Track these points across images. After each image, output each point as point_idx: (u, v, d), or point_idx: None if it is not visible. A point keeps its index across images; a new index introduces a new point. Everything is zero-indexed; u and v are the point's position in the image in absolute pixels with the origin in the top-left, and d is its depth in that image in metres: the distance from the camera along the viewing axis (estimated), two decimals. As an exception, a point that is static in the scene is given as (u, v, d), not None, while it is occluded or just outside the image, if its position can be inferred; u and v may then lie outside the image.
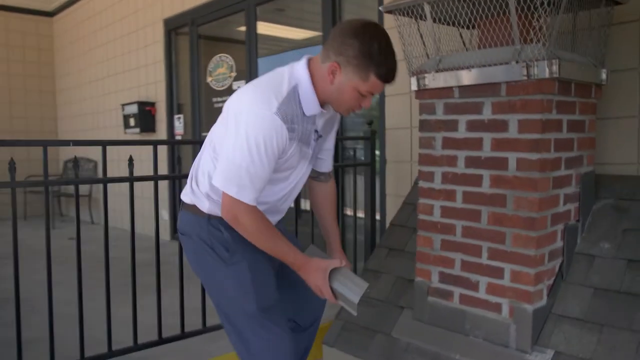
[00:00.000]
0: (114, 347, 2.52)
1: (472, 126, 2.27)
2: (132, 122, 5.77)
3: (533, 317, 2.15)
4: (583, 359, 2.04)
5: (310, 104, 1.70)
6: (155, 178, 2.64)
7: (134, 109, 5.70)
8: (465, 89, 2.28)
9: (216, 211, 1.79)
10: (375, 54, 1.61)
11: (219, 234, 1.80)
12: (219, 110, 1.83)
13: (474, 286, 2.32)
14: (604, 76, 2.32)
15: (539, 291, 2.18)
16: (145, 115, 5.67)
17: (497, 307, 2.25)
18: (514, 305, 2.20)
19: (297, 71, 1.70)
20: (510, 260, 2.20)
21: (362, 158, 3.59)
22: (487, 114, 2.22)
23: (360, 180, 3.68)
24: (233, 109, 1.68)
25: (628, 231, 2.26)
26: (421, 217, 2.50)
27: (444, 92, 2.36)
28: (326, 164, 1.98)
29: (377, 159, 3.62)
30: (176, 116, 5.65)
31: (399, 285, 2.73)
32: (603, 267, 2.24)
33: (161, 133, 5.75)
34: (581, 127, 2.31)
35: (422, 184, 2.48)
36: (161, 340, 2.67)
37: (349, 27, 1.64)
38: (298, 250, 1.80)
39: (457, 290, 2.38)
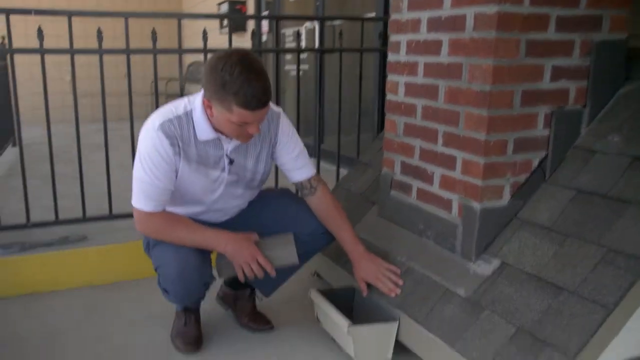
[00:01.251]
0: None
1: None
2: (225, 22, 5.79)
3: (481, 218, 1.74)
4: (529, 274, 1.61)
5: (202, 129, 1.76)
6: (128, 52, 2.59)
7: (225, 7, 5.71)
8: None
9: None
10: (230, 83, 1.59)
11: None
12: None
13: (429, 178, 1.94)
14: None
15: (495, 188, 1.75)
16: (236, 14, 5.66)
17: (448, 205, 1.86)
18: (463, 203, 1.79)
19: (196, 99, 1.77)
20: (463, 146, 1.78)
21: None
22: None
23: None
24: None
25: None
26: (389, 96, 2.13)
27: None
28: (293, 175, 1.97)
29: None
30: (263, 12, 5.55)
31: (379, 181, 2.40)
32: (600, 165, 1.72)
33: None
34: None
35: (390, 57, 2.09)
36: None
37: (209, 61, 1.66)
38: (220, 231, 1.83)
39: (416, 184, 2.01)
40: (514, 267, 1.66)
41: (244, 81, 1.57)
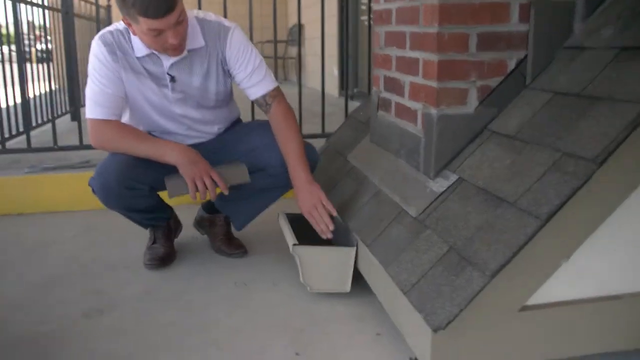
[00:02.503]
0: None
1: None
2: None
3: (439, 126, 1.52)
4: (479, 188, 1.38)
5: (137, 46, 1.77)
6: None
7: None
8: None
9: None
10: None
11: None
12: None
13: (402, 89, 1.73)
14: None
15: (456, 91, 1.51)
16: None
17: (414, 116, 1.66)
18: (424, 111, 1.58)
19: None
20: (422, 45, 1.56)
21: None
22: None
23: None
24: None
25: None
26: (374, 6, 1.93)
27: None
28: (249, 93, 1.90)
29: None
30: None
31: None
32: (584, 62, 1.41)
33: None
34: None
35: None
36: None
37: None
38: (172, 142, 1.82)
39: (394, 99, 1.82)
40: (468, 182, 1.44)
41: None
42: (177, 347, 1.48)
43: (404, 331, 1.37)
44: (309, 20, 6.22)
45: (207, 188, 1.73)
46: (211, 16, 1.85)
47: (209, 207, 2.14)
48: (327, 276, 1.71)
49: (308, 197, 1.74)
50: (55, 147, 2.74)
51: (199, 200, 1.77)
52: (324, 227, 1.71)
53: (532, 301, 1.23)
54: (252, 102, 2.07)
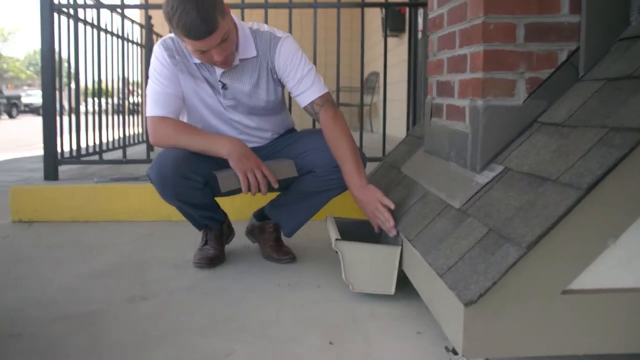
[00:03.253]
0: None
1: None
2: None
3: (486, 117, 1.50)
4: (524, 173, 1.34)
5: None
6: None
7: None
8: None
9: None
10: (172, 16, 1.66)
11: None
12: None
13: (452, 90, 1.74)
14: None
15: (503, 82, 1.50)
16: (395, 15, 5.72)
17: (462, 114, 1.65)
18: (471, 105, 1.57)
19: None
20: (470, 39, 1.57)
21: None
22: None
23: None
24: None
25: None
26: (429, 15, 1.98)
27: None
28: (299, 101, 1.96)
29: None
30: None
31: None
32: (638, 49, 1.37)
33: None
34: None
35: (428, -32, 1.95)
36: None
37: None
38: (226, 136, 1.92)
39: (444, 102, 1.82)
40: (514, 171, 1.40)
41: (182, 12, 1.63)
42: (210, 332, 1.50)
43: (440, 318, 1.32)
44: (382, 68, 6.36)
45: (258, 181, 1.78)
46: (265, 27, 1.96)
47: (260, 216, 2.19)
48: (370, 275, 1.69)
49: (367, 199, 1.76)
50: (125, 160, 2.92)
51: (249, 196, 1.83)
52: (389, 226, 1.71)
53: (576, 285, 1.15)
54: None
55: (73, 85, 3.07)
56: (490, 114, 1.50)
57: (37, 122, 18.25)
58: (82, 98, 3.15)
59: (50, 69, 2.89)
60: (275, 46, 1.91)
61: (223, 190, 1.82)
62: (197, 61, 1.89)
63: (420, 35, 5.55)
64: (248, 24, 1.96)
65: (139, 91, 4.96)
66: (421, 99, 5.50)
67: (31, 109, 26.06)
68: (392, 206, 1.72)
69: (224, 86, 1.93)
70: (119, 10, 3.17)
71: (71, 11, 2.99)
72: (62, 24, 2.97)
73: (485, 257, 1.20)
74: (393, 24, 5.82)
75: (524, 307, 1.14)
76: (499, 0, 1.46)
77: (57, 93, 2.96)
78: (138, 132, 4.94)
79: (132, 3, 3.10)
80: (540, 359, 1.24)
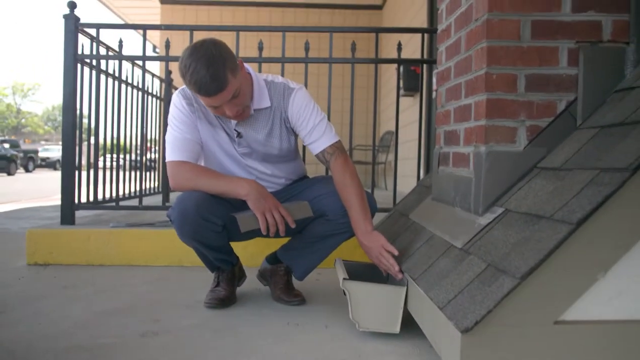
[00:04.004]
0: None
1: None
2: (400, 83, 6.09)
3: (488, 162, 1.63)
4: (522, 213, 1.45)
5: None
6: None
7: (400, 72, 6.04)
8: None
9: None
10: (185, 73, 1.82)
11: None
12: None
13: (457, 138, 1.87)
14: None
15: (505, 129, 1.63)
16: (410, 75, 5.96)
17: (467, 160, 1.78)
18: (475, 152, 1.70)
19: None
20: (474, 89, 1.72)
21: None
22: None
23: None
24: None
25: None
26: (436, 69, 2.14)
27: None
28: (311, 149, 2.10)
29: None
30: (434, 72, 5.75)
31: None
32: (632, 99, 1.50)
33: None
34: None
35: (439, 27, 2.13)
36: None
37: None
38: (244, 178, 2.04)
39: (451, 150, 1.95)
40: (513, 212, 1.51)
41: (193, 71, 1.79)
42: (218, 364, 1.59)
43: (440, 349, 1.40)
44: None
45: (276, 221, 1.90)
46: (279, 78, 2.13)
47: (272, 259, 2.30)
48: (377, 314, 1.77)
49: (372, 244, 1.88)
50: (140, 207, 3.07)
51: (267, 234, 1.95)
52: (394, 271, 1.82)
53: (569, 316, 1.24)
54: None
55: (92, 140, 3.26)
56: (492, 159, 1.63)
57: (54, 175, 18.98)
58: (100, 152, 3.34)
59: (71, 116, 3.08)
60: (289, 97, 2.07)
61: (243, 230, 1.92)
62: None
63: (434, 95, 5.76)
64: (263, 75, 2.13)
65: (156, 147, 5.20)
66: (432, 157, 5.66)
67: (48, 163, 26.87)
68: (396, 252, 1.84)
69: (239, 134, 2.07)
70: (139, 62, 3.39)
71: (94, 62, 3.21)
72: (84, 75, 3.18)
73: (483, 289, 1.29)
74: (407, 84, 6.04)
75: (518, 335, 1.23)
76: (502, 52, 1.61)
77: (77, 144, 3.13)
78: (154, 186, 5.13)
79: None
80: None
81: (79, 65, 3.12)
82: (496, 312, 1.21)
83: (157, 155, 5.27)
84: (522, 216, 1.44)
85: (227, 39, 2.05)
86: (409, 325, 1.77)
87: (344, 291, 1.80)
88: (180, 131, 2.03)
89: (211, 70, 1.78)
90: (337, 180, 2.01)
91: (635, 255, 1.23)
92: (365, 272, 2.00)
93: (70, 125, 3.08)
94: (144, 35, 3.20)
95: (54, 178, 15.66)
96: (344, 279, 1.78)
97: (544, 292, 1.22)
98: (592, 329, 1.23)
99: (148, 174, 4.46)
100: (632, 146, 1.28)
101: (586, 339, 1.23)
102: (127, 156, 4.14)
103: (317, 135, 2.06)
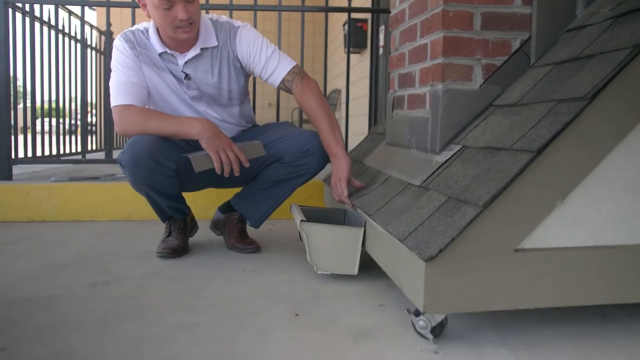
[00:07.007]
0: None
1: None
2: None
3: (445, 100, 1.63)
4: (480, 148, 1.47)
5: (154, 42, 2.00)
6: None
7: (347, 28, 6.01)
8: None
9: None
10: None
11: None
12: None
13: (413, 79, 1.87)
14: None
15: (461, 67, 1.64)
16: (357, 31, 5.93)
17: (423, 100, 1.77)
18: (431, 91, 1.70)
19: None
20: (430, 28, 1.71)
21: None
22: None
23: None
24: None
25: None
26: (391, 11, 2.12)
27: None
28: (272, 82, 2.04)
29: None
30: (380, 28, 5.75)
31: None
32: (583, 36, 1.53)
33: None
34: None
35: (390, -33, 2.10)
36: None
37: None
38: (195, 117, 1.98)
39: (406, 93, 1.95)
40: (471, 147, 1.53)
41: None
42: (175, 309, 1.55)
43: (402, 284, 1.41)
44: (343, 85, 6.54)
45: (230, 160, 1.85)
46: (223, 18, 2.07)
47: (225, 208, 2.26)
48: (334, 256, 1.77)
49: (335, 170, 1.91)
50: (83, 160, 2.94)
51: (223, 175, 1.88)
52: (344, 197, 1.87)
53: (528, 244, 1.27)
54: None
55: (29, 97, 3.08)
56: (449, 97, 1.63)
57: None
58: (37, 114, 3.16)
59: (3, 66, 2.89)
60: (235, 35, 2.01)
61: (197, 170, 1.86)
62: (160, 51, 1.97)
63: (381, 51, 5.77)
64: (208, 15, 2.07)
65: (99, 107, 4.98)
66: (381, 113, 5.69)
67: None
68: (356, 184, 1.90)
69: (187, 76, 2.01)
70: (76, 12, 3.21)
71: (27, 7, 3.02)
72: (17, 23, 2.99)
73: (445, 220, 1.30)
74: (354, 40, 6.02)
75: (481, 264, 1.25)
76: (457, -10, 1.60)
77: (11, 95, 2.95)
78: (95, 147, 4.95)
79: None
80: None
81: (10, 10, 2.92)
82: (459, 241, 1.22)
83: (96, 119, 5.03)
84: (481, 150, 1.45)
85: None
86: (367, 267, 1.78)
87: (300, 236, 1.79)
88: (126, 75, 1.95)
89: None
90: (305, 104, 1.98)
91: (591, 182, 1.26)
92: (322, 216, 1.99)
93: (3, 75, 2.90)
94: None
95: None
96: (302, 220, 1.77)
97: (505, 220, 1.24)
98: (550, 256, 1.26)
99: (89, 137, 4.26)
100: (586, 77, 1.30)
101: (544, 267, 1.26)
102: (67, 120, 3.94)
103: (273, 66, 2.01)
